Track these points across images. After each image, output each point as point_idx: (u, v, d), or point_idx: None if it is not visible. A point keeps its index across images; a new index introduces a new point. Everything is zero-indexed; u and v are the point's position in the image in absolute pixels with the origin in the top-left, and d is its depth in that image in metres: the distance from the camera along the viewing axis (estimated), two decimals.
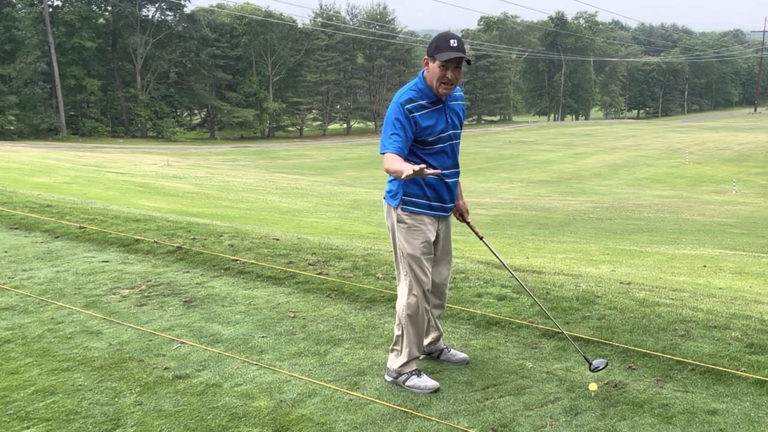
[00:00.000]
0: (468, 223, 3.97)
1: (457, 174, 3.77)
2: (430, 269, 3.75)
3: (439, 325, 4.05)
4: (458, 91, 3.75)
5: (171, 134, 63.42)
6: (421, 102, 3.55)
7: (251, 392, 3.63)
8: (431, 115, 3.57)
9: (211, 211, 13.94)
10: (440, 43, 3.50)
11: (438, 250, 3.83)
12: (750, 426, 3.26)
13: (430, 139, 3.57)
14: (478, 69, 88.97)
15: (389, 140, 3.48)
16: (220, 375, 3.85)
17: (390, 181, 3.74)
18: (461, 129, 3.80)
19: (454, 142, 3.71)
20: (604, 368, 3.70)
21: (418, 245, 3.66)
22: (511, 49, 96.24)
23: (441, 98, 3.59)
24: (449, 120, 3.66)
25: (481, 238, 3.95)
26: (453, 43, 3.48)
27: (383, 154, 3.50)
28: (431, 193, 3.66)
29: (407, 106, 3.51)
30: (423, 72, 3.61)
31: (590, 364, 3.68)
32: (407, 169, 3.18)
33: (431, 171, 3.27)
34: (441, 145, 3.63)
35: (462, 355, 4.05)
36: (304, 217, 15.32)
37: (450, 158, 3.70)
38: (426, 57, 3.56)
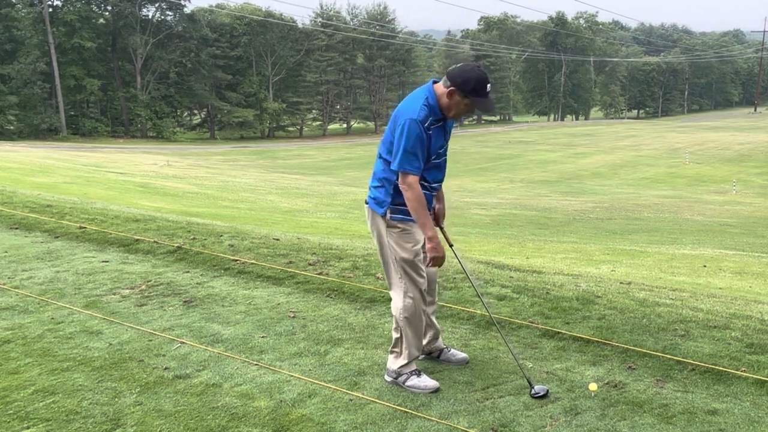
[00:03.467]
0: (441, 228, 3.97)
1: (441, 186, 3.88)
2: (423, 270, 3.76)
3: (435, 323, 4.06)
4: None
5: (171, 134, 63.39)
6: (432, 119, 3.59)
7: (251, 392, 3.63)
8: (437, 131, 3.64)
9: (211, 211, 13.94)
10: (478, 87, 3.52)
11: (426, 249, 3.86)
12: (750, 426, 3.26)
13: (432, 156, 3.64)
14: None
15: (417, 161, 3.53)
16: (220, 375, 3.85)
17: (375, 188, 3.75)
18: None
19: (445, 157, 3.81)
20: (543, 395, 3.54)
21: (411, 248, 3.69)
22: (511, 49, 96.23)
23: (445, 117, 3.65)
24: (446, 137, 3.75)
25: (451, 246, 4.01)
26: (488, 88, 3.56)
27: (408, 173, 3.52)
28: None
29: (425, 124, 3.54)
30: (432, 87, 3.62)
31: (532, 388, 3.59)
32: (431, 237, 3.58)
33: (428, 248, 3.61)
34: (438, 161, 3.72)
35: (462, 355, 4.05)
36: (304, 217, 15.32)
37: (442, 171, 3.80)
38: (453, 87, 3.52)
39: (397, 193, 3.65)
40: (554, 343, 4.30)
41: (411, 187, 3.53)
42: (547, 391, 3.58)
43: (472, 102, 3.53)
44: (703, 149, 48.22)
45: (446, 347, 4.10)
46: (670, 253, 10.95)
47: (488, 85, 3.55)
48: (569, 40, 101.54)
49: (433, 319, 4.03)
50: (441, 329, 4.19)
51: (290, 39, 72.24)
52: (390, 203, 3.67)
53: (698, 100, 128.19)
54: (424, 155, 3.56)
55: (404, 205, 3.65)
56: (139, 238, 7.17)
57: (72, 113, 60.81)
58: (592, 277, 6.27)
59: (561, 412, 3.40)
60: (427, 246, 3.60)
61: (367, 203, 3.83)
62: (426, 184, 3.68)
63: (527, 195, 27.37)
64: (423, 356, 3.96)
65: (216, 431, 3.23)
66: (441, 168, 3.76)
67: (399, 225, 3.68)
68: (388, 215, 3.68)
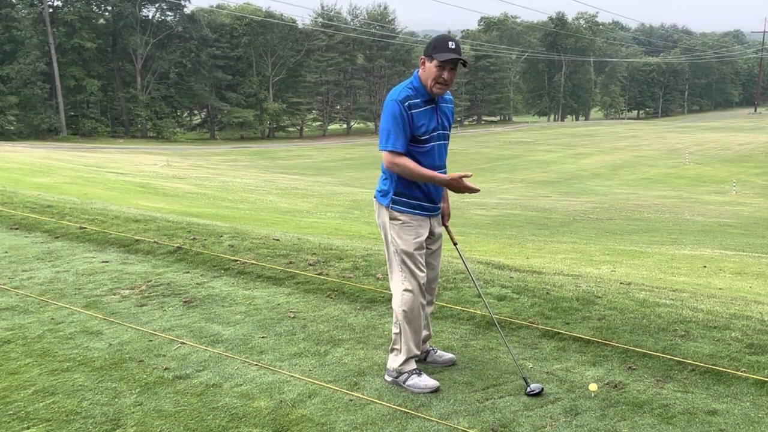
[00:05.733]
0: (446, 227, 4.03)
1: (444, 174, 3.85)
2: (424, 263, 3.77)
3: (429, 325, 4.06)
4: (448, 95, 3.83)
5: (171, 134, 63.43)
6: (416, 100, 3.63)
7: (251, 392, 3.63)
8: (425, 113, 3.65)
9: (212, 211, 13.95)
10: (438, 44, 3.59)
11: (433, 243, 3.89)
12: (750, 426, 3.26)
13: (423, 138, 3.64)
14: (478, 69, 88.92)
15: (394, 138, 3.57)
16: (220, 375, 3.85)
17: (381, 181, 3.79)
18: (449, 132, 3.88)
19: (443, 142, 3.79)
20: (538, 393, 3.55)
21: (411, 240, 3.70)
22: (511, 49, 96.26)
23: (434, 98, 3.68)
24: (440, 120, 3.74)
25: (455, 245, 4.04)
26: (451, 45, 3.58)
27: (387, 151, 3.57)
28: (420, 193, 3.72)
29: (405, 103, 3.59)
30: (418, 72, 3.70)
31: (528, 386, 3.59)
32: (446, 177, 3.54)
33: (465, 177, 3.50)
34: (433, 144, 3.70)
35: (449, 356, 4.06)
36: (304, 217, 15.33)
37: (440, 158, 3.78)
38: (423, 57, 3.65)
39: (398, 182, 3.67)
40: (554, 344, 4.30)
41: (396, 164, 3.58)
42: (542, 389, 3.59)
43: (436, 59, 3.55)
44: (703, 150, 48.24)
45: (432, 349, 4.10)
46: (670, 253, 10.96)
47: (450, 42, 3.58)
48: (569, 40, 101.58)
49: (428, 321, 4.04)
50: (431, 334, 4.19)
51: (290, 39, 72.28)
52: (392, 193, 3.70)
53: (698, 101, 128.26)
54: (406, 134, 3.57)
55: (404, 195, 3.68)
56: (139, 238, 7.17)
57: (72, 113, 60.83)
58: (592, 278, 6.28)
59: (561, 412, 3.40)
60: (457, 185, 3.56)
61: (375, 198, 3.87)
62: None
63: (527, 195, 27.38)
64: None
65: (216, 431, 3.23)
66: (439, 154, 3.73)
67: (401, 217, 3.70)
68: (391, 206, 3.71)
